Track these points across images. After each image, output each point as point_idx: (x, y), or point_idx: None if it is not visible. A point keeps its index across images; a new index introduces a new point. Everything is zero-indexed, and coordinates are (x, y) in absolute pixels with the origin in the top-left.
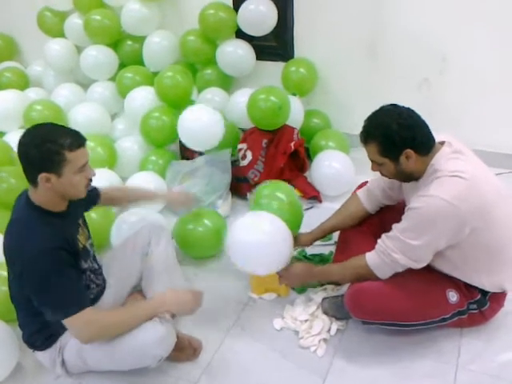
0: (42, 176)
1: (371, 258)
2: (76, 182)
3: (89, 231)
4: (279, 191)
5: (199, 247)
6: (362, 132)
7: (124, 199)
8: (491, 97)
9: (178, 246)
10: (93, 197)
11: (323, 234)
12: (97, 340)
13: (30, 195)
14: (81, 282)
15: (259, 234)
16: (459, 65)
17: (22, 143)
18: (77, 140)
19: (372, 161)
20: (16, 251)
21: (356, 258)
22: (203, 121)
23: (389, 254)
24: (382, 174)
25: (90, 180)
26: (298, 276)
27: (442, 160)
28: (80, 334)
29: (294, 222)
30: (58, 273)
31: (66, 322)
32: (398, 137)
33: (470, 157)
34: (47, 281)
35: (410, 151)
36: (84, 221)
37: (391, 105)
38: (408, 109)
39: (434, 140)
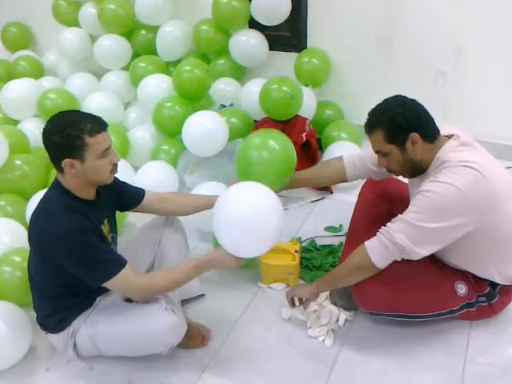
0: (65, 162)
1: (369, 243)
2: (100, 166)
3: (113, 226)
4: (272, 139)
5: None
6: (366, 123)
7: (177, 203)
8: (507, 89)
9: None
10: (134, 195)
11: (297, 184)
12: (147, 296)
13: (59, 180)
14: (108, 247)
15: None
16: (475, 56)
17: (45, 131)
18: (97, 125)
19: (378, 152)
20: (45, 232)
21: (355, 251)
22: (207, 127)
23: (388, 233)
24: (390, 170)
25: (115, 165)
26: (309, 294)
27: (449, 152)
28: (126, 293)
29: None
30: (91, 244)
31: (107, 284)
32: (404, 119)
33: (478, 149)
34: (82, 252)
35: (415, 135)
36: (111, 216)
37: (395, 95)
38: (412, 99)
39: (438, 129)
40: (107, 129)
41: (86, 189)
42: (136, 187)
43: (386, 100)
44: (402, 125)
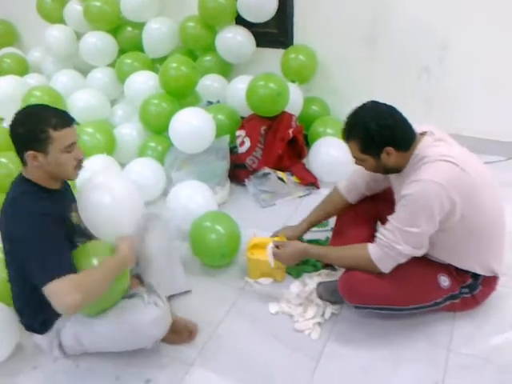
0: (28, 154)
1: (374, 252)
2: (63, 161)
3: None
4: None
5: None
6: (343, 129)
7: None
8: (491, 85)
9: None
10: None
11: (309, 227)
12: (82, 303)
13: (23, 173)
14: (65, 250)
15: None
16: (459, 53)
17: (12, 122)
18: (62, 119)
19: (354, 157)
20: (7, 222)
21: (357, 247)
22: (194, 124)
23: (392, 246)
24: (366, 169)
25: (80, 161)
26: (292, 255)
27: (427, 148)
28: (64, 299)
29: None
30: (43, 236)
31: (48, 288)
32: (378, 136)
33: (452, 144)
34: (33, 243)
35: (390, 149)
36: None
37: (372, 102)
38: (389, 107)
39: (414, 135)
40: (74, 125)
41: (48, 180)
42: None
43: (362, 108)
44: (377, 141)
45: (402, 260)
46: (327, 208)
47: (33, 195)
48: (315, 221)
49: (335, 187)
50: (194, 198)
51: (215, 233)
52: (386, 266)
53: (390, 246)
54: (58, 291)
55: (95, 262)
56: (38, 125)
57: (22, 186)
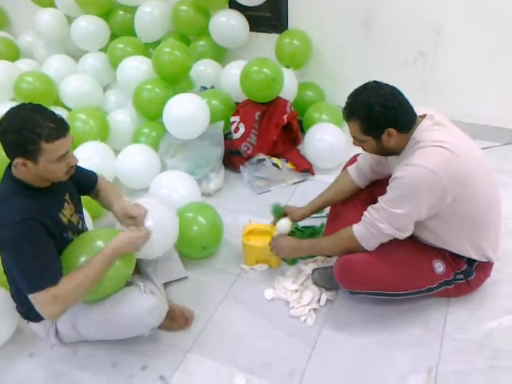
0: (17, 160)
1: (358, 229)
2: (54, 169)
3: (78, 205)
4: None
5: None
6: (344, 108)
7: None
8: (486, 70)
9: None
10: (88, 184)
11: (315, 209)
12: (64, 312)
13: (12, 170)
14: (53, 256)
15: None
16: (454, 38)
17: (2, 126)
18: (56, 130)
19: (354, 137)
20: None
21: (344, 229)
22: (188, 110)
23: (374, 224)
24: (364, 149)
25: (72, 167)
26: (285, 248)
27: (424, 132)
28: (46, 310)
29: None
30: (28, 244)
31: (31, 297)
32: (381, 118)
33: (451, 129)
34: (17, 252)
35: (392, 130)
36: (73, 196)
37: (375, 82)
38: (391, 87)
39: (415, 117)
40: (68, 133)
41: (38, 181)
42: (88, 170)
43: (365, 88)
44: (380, 122)
45: (385, 239)
46: (336, 191)
47: (17, 199)
48: (322, 202)
49: (345, 170)
50: (177, 188)
51: (197, 224)
52: (368, 244)
53: (372, 224)
54: (40, 303)
55: (101, 244)
56: (30, 135)
57: (8, 186)
